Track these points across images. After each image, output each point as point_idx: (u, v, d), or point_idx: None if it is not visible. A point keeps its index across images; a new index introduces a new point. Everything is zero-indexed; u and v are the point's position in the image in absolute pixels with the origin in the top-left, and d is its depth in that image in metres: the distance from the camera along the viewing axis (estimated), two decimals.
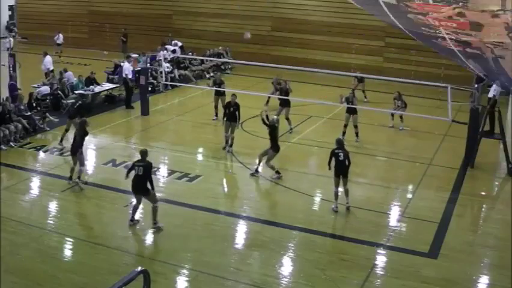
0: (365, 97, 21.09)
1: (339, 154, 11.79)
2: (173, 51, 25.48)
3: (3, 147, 15.09)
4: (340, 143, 12.07)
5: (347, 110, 16.52)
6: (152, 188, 10.84)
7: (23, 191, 12.85)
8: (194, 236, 10.79)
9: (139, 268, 5.08)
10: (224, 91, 18.26)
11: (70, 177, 12.96)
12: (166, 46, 25.89)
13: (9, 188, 12.88)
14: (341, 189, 11.83)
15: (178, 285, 9.39)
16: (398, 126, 18.08)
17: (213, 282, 9.23)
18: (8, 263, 9.51)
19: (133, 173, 10.91)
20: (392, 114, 18.08)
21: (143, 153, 10.95)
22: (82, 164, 12.92)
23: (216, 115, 18.36)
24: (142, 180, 10.70)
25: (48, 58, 22.44)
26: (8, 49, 27.73)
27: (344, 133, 16.11)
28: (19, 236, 10.54)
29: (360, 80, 21.34)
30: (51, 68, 22.27)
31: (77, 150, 12.77)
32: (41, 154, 15.14)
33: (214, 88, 18.50)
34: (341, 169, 11.79)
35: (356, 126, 16.46)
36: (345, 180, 11.89)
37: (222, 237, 10.83)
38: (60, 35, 29.40)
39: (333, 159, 11.83)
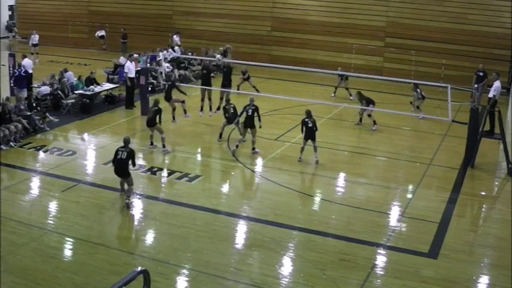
0: (350, 95, 21.01)
1: (308, 122, 14.41)
2: (172, 48, 25.68)
3: (3, 147, 15.09)
4: (308, 113, 14.57)
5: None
6: (134, 165, 12.08)
7: (23, 191, 12.84)
8: (194, 236, 10.79)
9: (139, 268, 5.08)
10: (210, 84, 18.20)
11: (151, 142, 15.46)
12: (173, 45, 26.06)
13: (9, 188, 12.88)
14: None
15: (178, 285, 9.38)
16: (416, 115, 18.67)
17: (212, 282, 9.23)
18: (8, 263, 9.52)
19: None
20: (411, 102, 19.51)
21: (127, 141, 11.95)
22: (161, 132, 15.17)
23: (202, 109, 18.22)
24: (124, 163, 11.76)
25: (27, 61, 20.83)
26: (33, 45, 28.31)
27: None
28: (19, 236, 10.54)
29: (344, 77, 21.19)
30: (30, 71, 20.57)
31: (152, 123, 15.05)
32: (41, 154, 15.14)
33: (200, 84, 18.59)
34: (310, 134, 14.44)
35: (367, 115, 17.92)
36: (313, 142, 14.55)
37: (222, 237, 10.83)
38: (175, 37, 28.13)
39: (304, 126, 14.51)
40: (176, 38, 27.65)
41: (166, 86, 18.05)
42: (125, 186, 12.19)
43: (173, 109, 17.23)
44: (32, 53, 27.84)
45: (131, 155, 11.82)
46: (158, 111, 15.22)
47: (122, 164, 11.77)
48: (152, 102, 15.69)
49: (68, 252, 10.34)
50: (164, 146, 15.24)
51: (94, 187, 12.95)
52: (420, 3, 25.08)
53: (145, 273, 5.01)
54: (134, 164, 12.02)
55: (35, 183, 13.43)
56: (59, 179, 13.32)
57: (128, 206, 11.80)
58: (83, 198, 12.39)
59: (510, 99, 19.74)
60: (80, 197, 12.47)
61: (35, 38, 28.41)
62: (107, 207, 11.97)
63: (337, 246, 10.58)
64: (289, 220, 11.48)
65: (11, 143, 15.46)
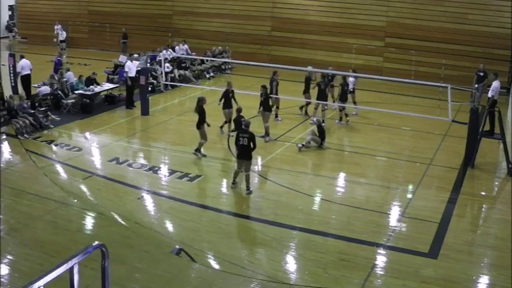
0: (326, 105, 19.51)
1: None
2: (172, 48, 25.67)
3: (20, 137, 15.71)
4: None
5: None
6: (254, 147, 12.69)
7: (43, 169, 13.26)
8: (203, 231, 10.88)
9: (96, 243, 5.04)
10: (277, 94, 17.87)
11: (196, 149, 14.97)
12: (175, 47, 25.99)
13: (26, 162, 13.41)
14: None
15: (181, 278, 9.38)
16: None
17: (215, 279, 9.23)
18: (24, 235, 9.73)
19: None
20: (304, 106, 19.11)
21: (247, 125, 12.73)
22: (202, 137, 14.76)
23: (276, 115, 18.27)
24: (246, 149, 12.59)
25: (23, 62, 20.35)
26: (61, 41, 29.38)
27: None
28: (35, 209, 10.80)
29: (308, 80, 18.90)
30: (27, 72, 20.27)
31: (199, 124, 14.74)
32: (54, 147, 15.54)
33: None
34: (322, 135, 15.48)
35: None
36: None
37: (226, 235, 10.87)
38: (181, 45, 26.97)
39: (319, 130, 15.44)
40: (182, 46, 27.02)
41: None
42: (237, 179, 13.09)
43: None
44: (61, 49, 28.55)
45: (251, 139, 12.57)
46: (203, 112, 14.77)
47: (244, 149, 12.63)
48: (198, 101, 15.01)
49: (81, 225, 10.50)
50: (196, 150, 14.92)
51: (107, 180, 13.29)
52: (420, 3, 25.11)
53: (103, 247, 4.92)
54: (255, 146, 12.65)
55: (54, 168, 13.82)
56: (77, 170, 13.74)
57: (250, 192, 12.69)
58: (99, 187, 12.79)
59: (510, 99, 19.77)
60: (98, 185, 12.87)
61: (63, 35, 29.20)
62: (123, 198, 12.20)
63: (337, 246, 10.57)
64: (290, 220, 11.47)
65: (25, 135, 15.97)
